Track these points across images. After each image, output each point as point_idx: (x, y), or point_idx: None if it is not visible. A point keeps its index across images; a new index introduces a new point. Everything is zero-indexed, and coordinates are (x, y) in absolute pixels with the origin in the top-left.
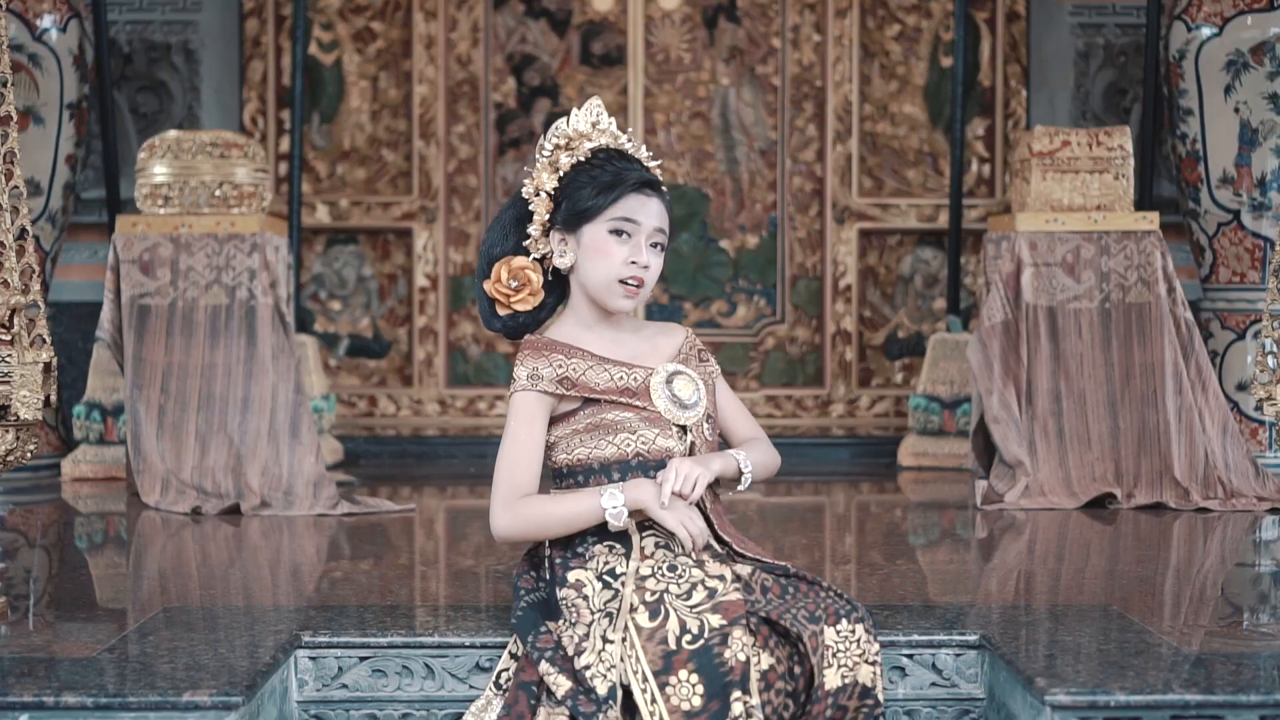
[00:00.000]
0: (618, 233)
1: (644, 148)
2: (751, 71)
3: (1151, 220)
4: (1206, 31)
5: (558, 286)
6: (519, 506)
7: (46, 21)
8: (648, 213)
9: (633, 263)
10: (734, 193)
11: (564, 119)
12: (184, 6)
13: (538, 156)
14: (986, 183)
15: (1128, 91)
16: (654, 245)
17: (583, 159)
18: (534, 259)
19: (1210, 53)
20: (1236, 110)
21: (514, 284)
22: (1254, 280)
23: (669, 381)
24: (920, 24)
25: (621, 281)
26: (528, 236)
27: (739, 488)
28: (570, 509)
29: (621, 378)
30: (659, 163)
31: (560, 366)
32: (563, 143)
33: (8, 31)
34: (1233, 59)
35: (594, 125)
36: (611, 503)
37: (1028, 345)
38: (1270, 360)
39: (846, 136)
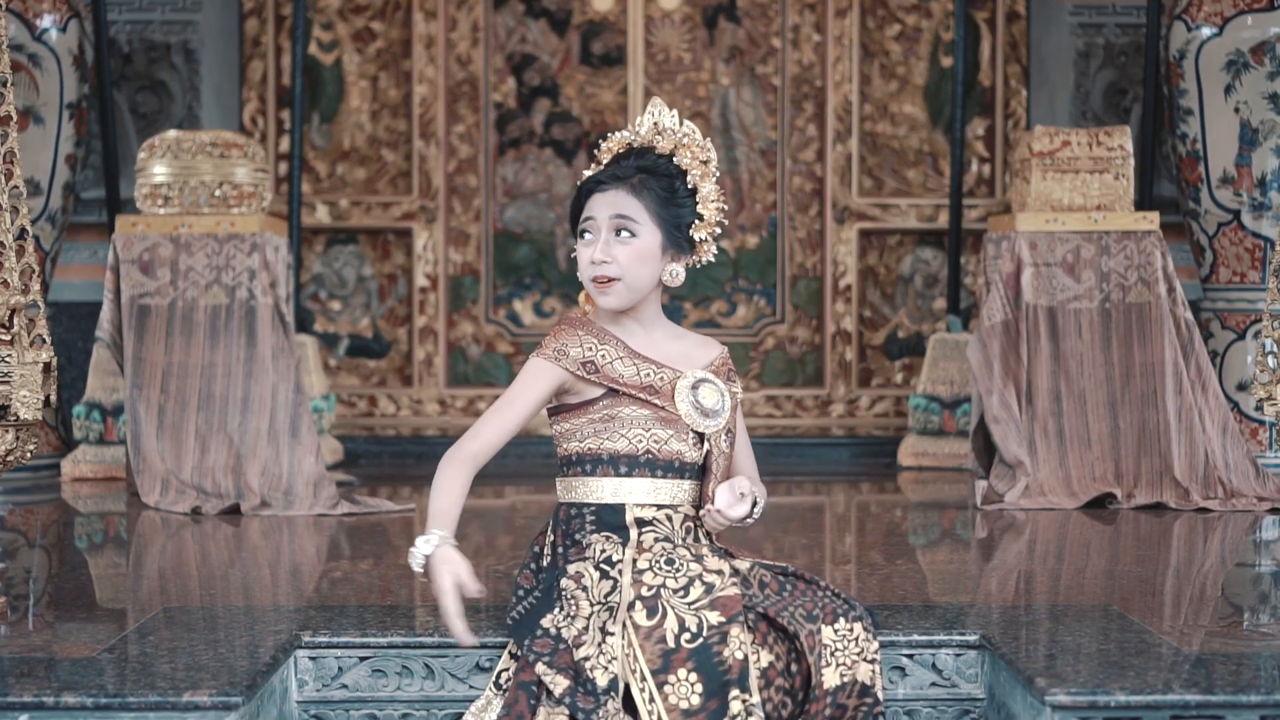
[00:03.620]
0: (583, 234)
1: (682, 126)
2: (751, 71)
3: (1151, 220)
4: (1206, 31)
5: None
6: (450, 465)
7: (46, 21)
8: (601, 206)
9: (592, 261)
10: (734, 193)
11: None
12: (184, 6)
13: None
14: (986, 183)
15: (1128, 91)
16: (619, 232)
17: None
18: None
19: (1210, 53)
20: (1236, 110)
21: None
22: (1254, 280)
23: (695, 388)
24: (920, 24)
25: (594, 280)
26: None
27: (745, 522)
28: (433, 508)
29: (649, 375)
30: (703, 137)
31: (590, 349)
32: (596, 158)
33: (8, 31)
34: (1233, 59)
35: (635, 128)
36: (421, 548)
37: (1028, 345)
38: (1270, 360)
39: (846, 136)
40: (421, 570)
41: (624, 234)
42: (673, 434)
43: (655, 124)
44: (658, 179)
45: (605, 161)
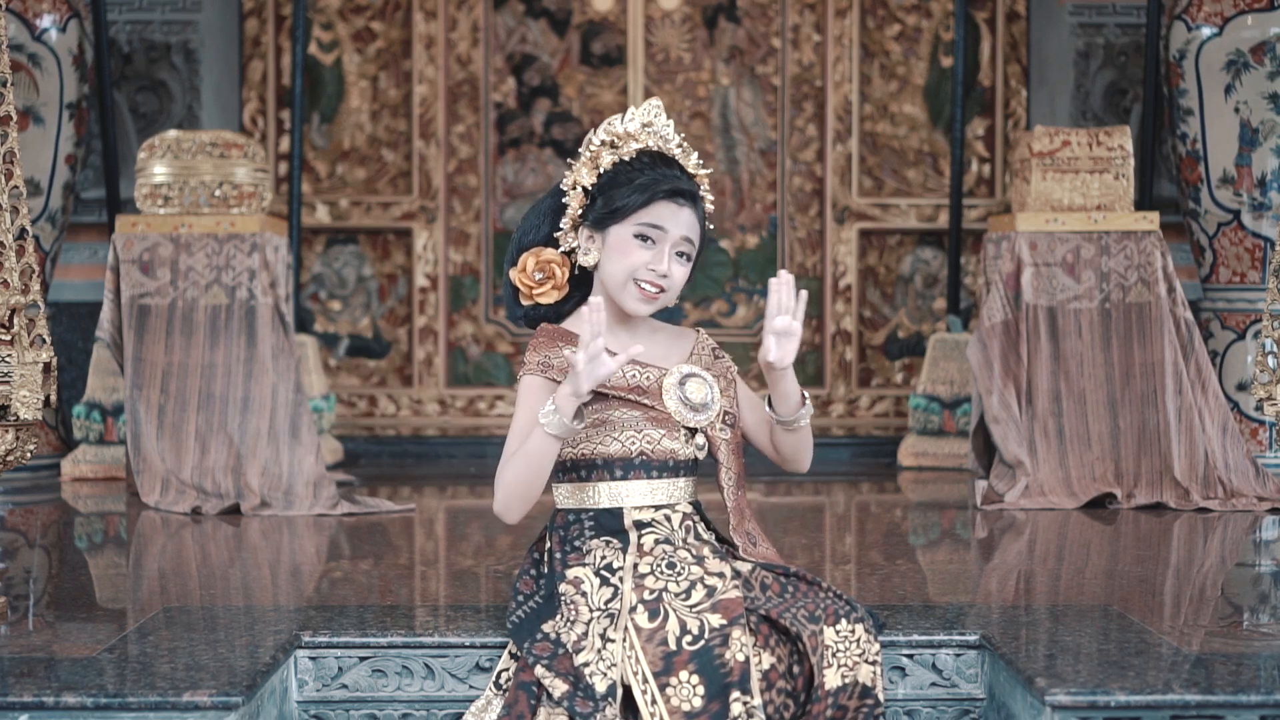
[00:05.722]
0: (643, 237)
1: (694, 155)
2: (751, 71)
3: (1151, 220)
4: (1206, 31)
5: (583, 283)
6: (500, 476)
7: (46, 21)
8: (676, 221)
9: (652, 269)
10: (734, 193)
11: (618, 116)
12: (184, 6)
13: (582, 151)
14: (986, 183)
15: (1128, 91)
16: (680, 254)
17: (625, 159)
18: (562, 252)
19: (1210, 53)
20: (1236, 110)
21: (539, 276)
22: (1254, 280)
23: (682, 383)
24: (920, 24)
25: (637, 283)
26: (560, 228)
27: (799, 420)
28: (528, 445)
29: (634, 376)
30: (707, 171)
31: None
32: (609, 140)
33: (8, 31)
34: (1233, 59)
35: (645, 126)
36: (544, 414)
37: (1028, 345)
38: (1270, 360)
39: (846, 136)
40: (552, 421)
41: (684, 256)
42: (665, 433)
43: (681, 145)
44: (704, 211)
45: (628, 158)
